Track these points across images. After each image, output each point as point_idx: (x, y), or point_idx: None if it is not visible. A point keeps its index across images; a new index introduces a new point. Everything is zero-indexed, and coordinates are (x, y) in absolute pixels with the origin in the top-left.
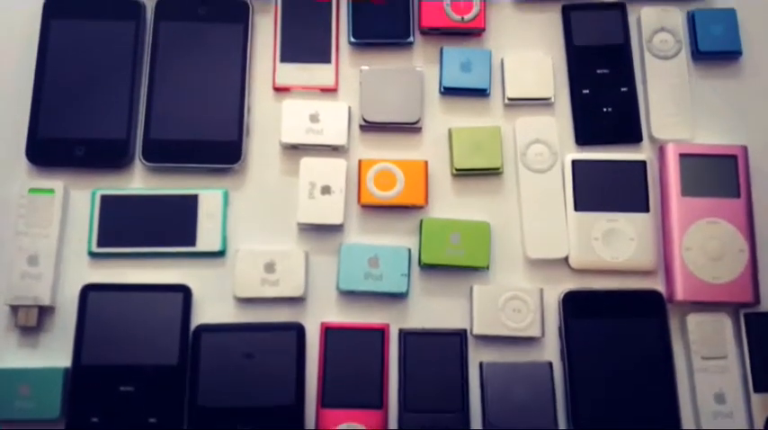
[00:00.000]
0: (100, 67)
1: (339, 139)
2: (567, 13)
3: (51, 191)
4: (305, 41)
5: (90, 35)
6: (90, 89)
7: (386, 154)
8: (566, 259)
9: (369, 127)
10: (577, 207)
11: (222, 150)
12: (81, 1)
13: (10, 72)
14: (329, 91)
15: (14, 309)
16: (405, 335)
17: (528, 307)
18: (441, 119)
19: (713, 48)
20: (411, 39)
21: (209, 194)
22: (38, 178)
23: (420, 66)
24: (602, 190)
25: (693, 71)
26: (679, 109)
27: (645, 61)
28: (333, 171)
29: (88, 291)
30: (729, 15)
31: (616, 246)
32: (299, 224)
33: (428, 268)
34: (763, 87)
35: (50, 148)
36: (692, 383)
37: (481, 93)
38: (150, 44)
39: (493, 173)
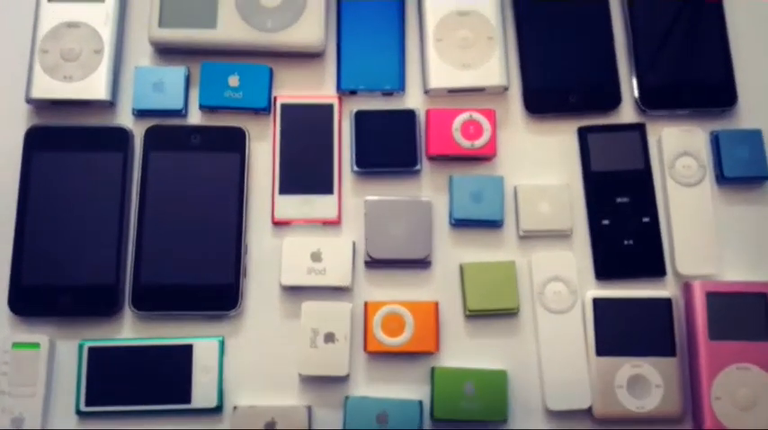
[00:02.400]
0: (86, 204)
1: (343, 280)
2: (583, 135)
3: (36, 345)
4: (305, 171)
5: (75, 168)
6: (76, 230)
7: (393, 292)
8: (588, 409)
9: (375, 263)
10: (600, 351)
11: (218, 295)
12: (64, 130)
13: None
14: (332, 223)
15: None
16: None
17: None
18: (451, 252)
19: (739, 173)
20: (418, 166)
21: (204, 344)
22: (21, 330)
23: (428, 195)
24: (625, 332)
25: (718, 196)
26: (704, 241)
27: (667, 188)
28: (337, 316)
29: None
30: (755, 137)
31: (641, 394)
32: (300, 375)
33: (441, 421)
34: None
35: (34, 297)
36: None
37: (494, 224)
38: (139, 177)
39: (509, 313)
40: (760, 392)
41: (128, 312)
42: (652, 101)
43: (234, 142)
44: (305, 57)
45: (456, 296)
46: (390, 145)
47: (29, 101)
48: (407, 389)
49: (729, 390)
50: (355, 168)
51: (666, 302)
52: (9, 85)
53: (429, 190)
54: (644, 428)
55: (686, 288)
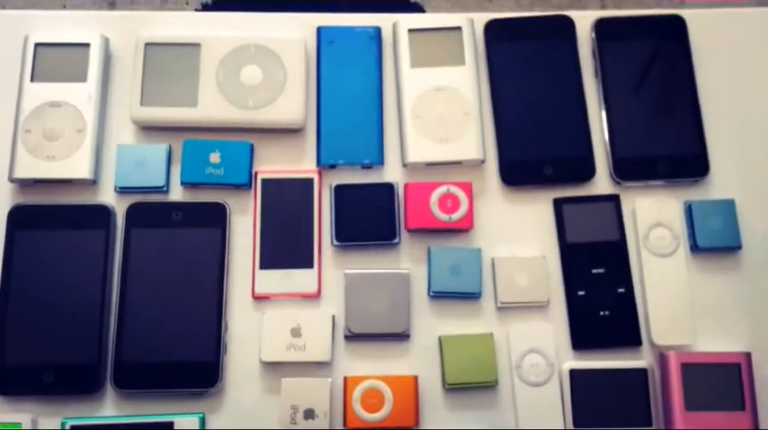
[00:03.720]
0: (68, 281)
1: (323, 356)
2: (558, 206)
3: (18, 425)
4: (286, 245)
5: (57, 246)
6: (58, 308)
7: (373, 365)
8: None
9: (354, 337)
10: (577, 423)
11: (199, 372)
12: (47, 209)
13: None
14: (311, 298)
15: None
16: None
17: None
18: (430, 324)
19: (713, 244)
20: (397, 239)
21: (184, 421)
22: (4, 409)
23: (407, 267)
24: (602, 403)
25: (692, 266)
26: (679, 312)
27: (642, 259)
28: (316, 392)
29: None
30: (728, 207)
31: None
32: None
33: None
34: (763, 283)
35: (18, 377)
36: None
37: (472, 296)
38: (121, 254)
39: (487, 386)
40: None
41: (109, 390)
42: (626, 172)
43: (215, 218)
44: (285, 132)
45: (435, 368)
46: (370, 218)
47: (12, 180)
48: None
49: None
50: (335, 242)
51: (642, 373)
52: None
53: (408, 262)
54: None
55: (662, 359)
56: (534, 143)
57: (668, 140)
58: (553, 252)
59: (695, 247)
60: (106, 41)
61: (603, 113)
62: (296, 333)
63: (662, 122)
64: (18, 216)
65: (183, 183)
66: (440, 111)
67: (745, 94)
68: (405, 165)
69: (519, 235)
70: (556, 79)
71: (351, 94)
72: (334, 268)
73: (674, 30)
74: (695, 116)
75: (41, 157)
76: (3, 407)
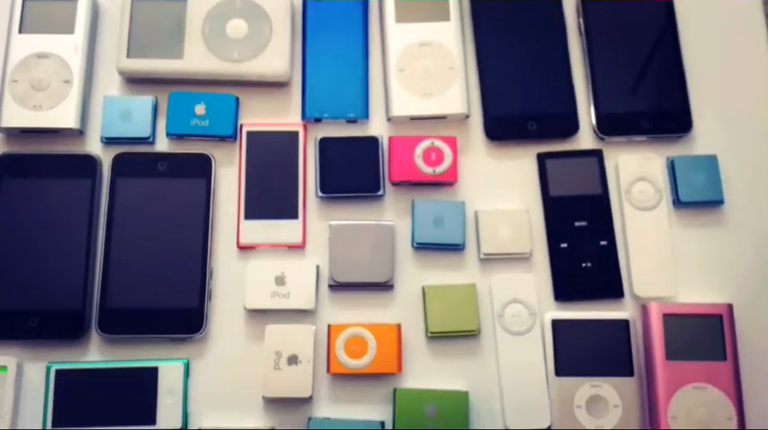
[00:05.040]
0: (54, 229)
1: (307, 304)
2: (542, 161)
3: (4, 368)
4: (271, 196)
5: (44, 195)
6: (44, 254)
7: (356, 314)
8: (548, 428)
9: (338, 286)
10: (558, 372)
11: (183, 318)
12: (34, 158)
13: None
14: (296, 248)
15: None
16: None
17: None
18: (414, 275)
19: (694, 198)
20: (381, 191)
21: (169, 367)
22: None
23: (391, 219)
24: (584, 352)
25: (675, 220)
26: (661, 264)
27: (624, 212)
28: (300, 339)
29: None
30: (710, 163)
31: (600, 413)
32: (264, 397)
33: None
34: (745, 237)
35: (3, 321)
36: None
37: (455, 247)
38: (107, 203)
39: (469, 335)
40: (716, 411)
41: (94, 335)
42: (609, 128)
43: (200, 169)
44: (271, 86)
45: (418, 318)
46: (354, 171)
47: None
48: (370, 409)
49: (686, 409)
50: (320, 194)
51: (624, 324)
52: None
53: (392, 214)
54: None
55: (644, 310)
56: (518, 98)
57: (651, 97)
58: (536, 206)
59: (677, 202)
60: None
61: (587, 69)
62: (280, 281)
63: (645, 79)
64: (5, 164)
65: (168, 135)
66: (424, 65)
67: (729, 52)
68: (389, 120)
69: (502, 189)
70: (540, 35)
71: (336, 49)
72: (318, 220)
73: None
74: (678, 73)
75: (28, 107)
76: None
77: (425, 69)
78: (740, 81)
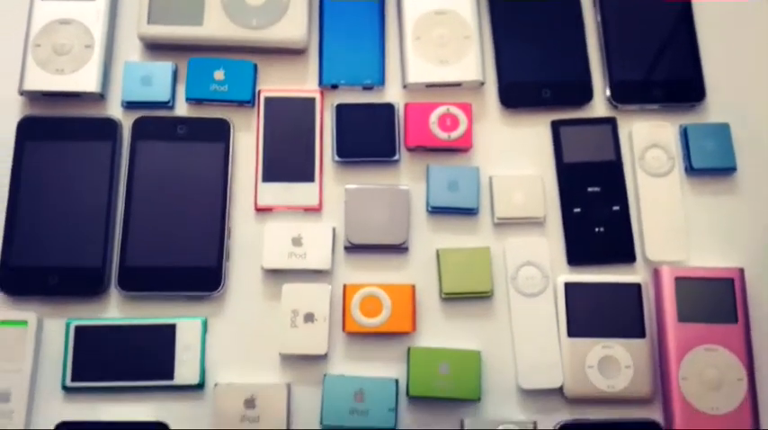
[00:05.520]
0: (75, 190)
1: (323, 264)
2: (556, 128)
3: (24, 323)
4: (288, 160)
5: (65, 157)
6: (65, 214)
7: (372, 276)
8: (560, 388)
9: (354, 248)
10: (571, 333)
11: (201, 277)
12: (56, 121)
13: None
14: (313, 210)
15: None
16: None
17: None
18: (428, 238)
19: (707, 165)
20: (397, 156)
21: (187, 324)
22: (10, 308)
23: (406, 184)
24: (596, 314)
25: (687, 187)
26: (673, 229)
27: (637, 179)
28: (316, 298)
29: (63, 429)
30: (723, 131)
31: (612, 374)
32: (280, 354)
33: (416, 399)
34: (758, 204)
35: (23, 277)
36: None
37: (469, 212)
38: (127, 165)
39: (483, 296)
40: (726, 373)
41: (114, 293)
42: (623, 96)
43: (218, 133)
44: (288, 53)
45: (432, 280)
46: (370, 136)
47: (22, 93)
48: (384, 367)
49: (697, 371)
50: (336, 158)
51: (636, 287)
52: (3, 78)
53: (407, 179)
54: (614, 408)
55: (656, 273)
56: (533, 66)
57: (665, 66)
58: (550, 173)
59: (690, 169)
60: None
61: (602, 38)
62: (297, 242)
63: (659, 48)
64: (27, 127)
65: (187, 100)
66: (440, 33)
67: (742, 21)
68: (405, 87)
69: (516, 156)
70: (555, 4)
71: (353, 16)
72: (334, 184)
73: None
74: (692, 42)
75: (50, 71)
76: (10, 305)
77: (441, 37)
78: (753, 50)
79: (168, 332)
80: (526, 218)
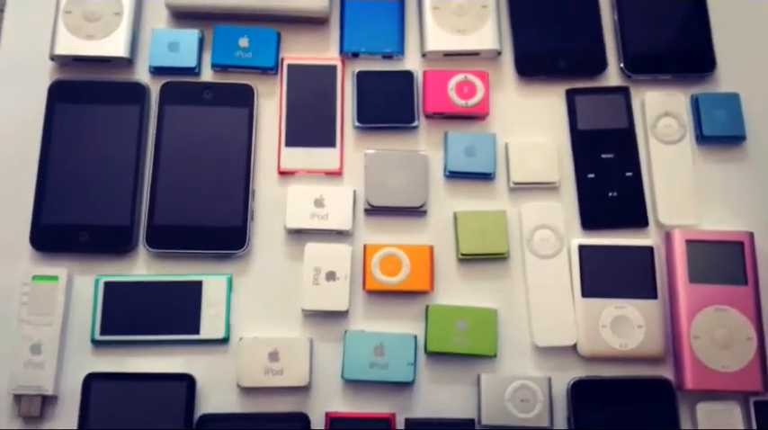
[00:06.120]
0: (104, 151)
1: (344, 224)
2: (571, 97)
3: (55, 278)
4: (310, 125)
5: (94, 119)
6: (94, 174)
7: (391, 238)
8: (574, 346)
9: (374, 211)
10: (585, 293)
11: (227, 236)
12: (86, 85)
13: (14, 157)
14: (334, 174)
15: (18, 398)
16: (411, 424)
17: (536, 396)
18: (446, 202)
19: (717, 133)
20: (416, 123)
21: (213, 281)
22: (41, 264)
23: (425, 149)
24: (609, 275)
25: (698, 155)
26: (685, 194)
27: (650, 146)
28: (338, 257)
29: (91, 380)
30: (733, 100)
31: (624, 333)
32: (303, 310)
33: (434, 355)
34: (767, 172)
35: (54, 235)
36: None
37: (486, 176)
38: (155, 128)
39: (499, 258)
40: (736, 332)
41: (142, 251)
42: (636, 66)
43: (243, 98)
44: (310, 22)
45: (450, 242)
46: (390, 103)
47: (53, 57)
48: (402, 325)
49: (707, 330)
50: (357, 124)
51: (648, 250)
52: (35, 44)
53: (425, 145)
54: (627, 366)
55: (667, 237)
56: (549, 37)
57: (677, 37)
58: (565, 141)
59: (701, 137)
60: None
61: (615, 9)
62: (319, 203)
63: (672, 19)
64: (58, 90)
65: (213, 66)
66: (458, 2)
67: None
68: (423, 55)
69: (531, 124)
70: None
71: None
72: (355, 149)
73: None
74: (703, 13)
75: (81, 36)
76: (41, 262)
77: (459, 6)
78: (763, 22)
79: (195, 288)
80: (541, 182)
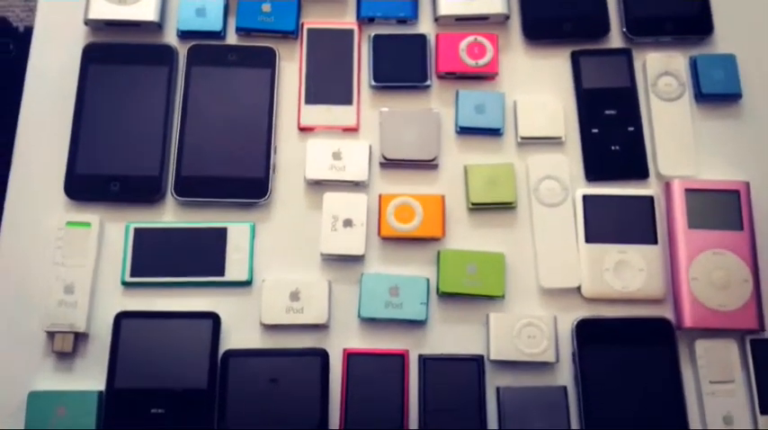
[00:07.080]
0: (135, 109)
1: (360, 176)
2: (576, 58)
3: (88, 224)
4: (328, 85)
5: (125, 79)
6: (125, 129)
7: (405, 189)
8: (578, 289)
9: (388, 164)
10: (588, 239)
11: (250, 186)
12: (117, 47)
13: (51, 113)
14: (351, 131)
15: (51, 335)
16: (424, 360)
17: (543, 333)
18: (457, 157)
19: (715, 90)
20: (429, 82)
21: (237, 227)
22: (75, 212)
23: (437, 108)
24: (611, 223)
25: (696, 112)
26: (683, 147)
27: (650, 103)
28: (354, 205)
29: (121, 318)
30: (730, 61)
31: (626, 276)
32: (322, 255)
33: (446, 296)
34: (761, 127)
35: (87, 184)
36: (701, 406)
37: (495, 132)
38: (182, 87)
39: (507, 207)
40: (733, 274)
41: (170, 199)
42: (637, 29)
43: (265, 60)
44: None
45: (461, 194)
46: (404, 64)
47: (86, 22)
48: (416, 270)
49: (706, 272)
50: (373, 83)
51: (649, 199)
52: (70, 9)
53: (437, 104)
54: (629, 307)
55: (667, 186)
56: (555, 1)
57: (677, 1)
58: (570, 101)
59: (699, 95)
60: None
61: None
62: (337, 156)
63: None
64: (91, 52)
65: (237, 30)
66: None
67: None
68: (436, 20)
69: (538, 84)
70: None
71: None
72: (371, 108)
73: None
74: None
75: (113, 2)
76: (74, 209)
77: None
78: None
79: (220, 234)
80: (547, 137)
